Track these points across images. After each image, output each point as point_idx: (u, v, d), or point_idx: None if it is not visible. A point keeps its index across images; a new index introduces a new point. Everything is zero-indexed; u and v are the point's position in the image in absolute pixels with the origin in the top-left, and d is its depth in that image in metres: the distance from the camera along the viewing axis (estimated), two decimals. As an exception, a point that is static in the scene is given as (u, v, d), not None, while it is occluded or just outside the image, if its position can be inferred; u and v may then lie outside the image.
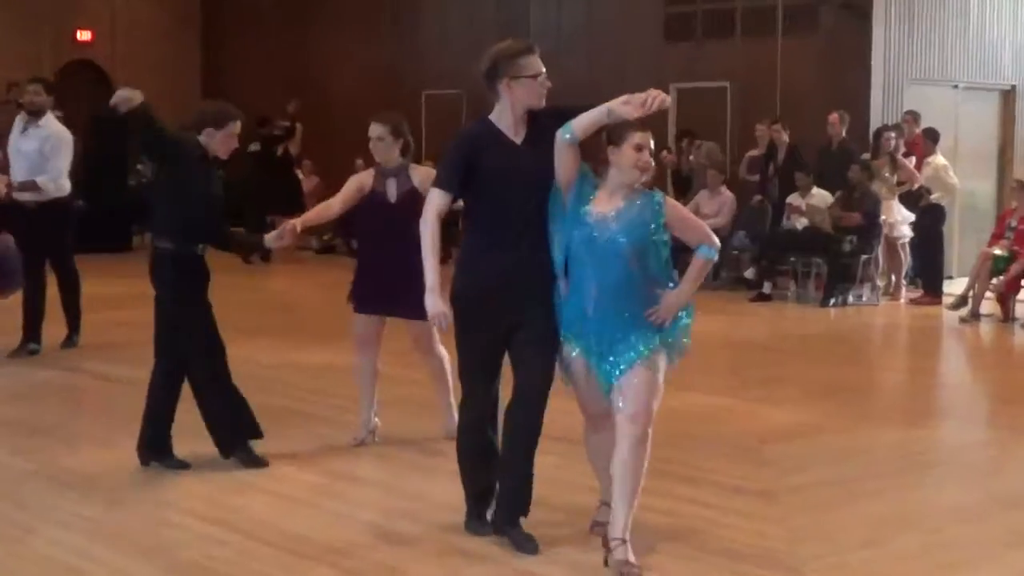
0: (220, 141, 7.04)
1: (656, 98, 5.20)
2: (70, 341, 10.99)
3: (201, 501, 6.58)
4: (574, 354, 5.41)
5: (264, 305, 13.67)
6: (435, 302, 5.53)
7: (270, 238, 7.28)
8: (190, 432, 7.27)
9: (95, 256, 18.03)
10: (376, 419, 7.75)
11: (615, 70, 17.06)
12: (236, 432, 7.15)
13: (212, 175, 7.07)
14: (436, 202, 5.57)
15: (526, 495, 5.69)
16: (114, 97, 6.69)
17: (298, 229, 7.23)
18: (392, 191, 7.32)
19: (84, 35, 23.34)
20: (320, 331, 12.32)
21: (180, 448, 7.28)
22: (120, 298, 14.63)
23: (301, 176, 20.36)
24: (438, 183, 5.64)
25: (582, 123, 5.32)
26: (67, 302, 10.99)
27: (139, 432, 7.21)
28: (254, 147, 18.73)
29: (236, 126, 7.08)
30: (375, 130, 7.40)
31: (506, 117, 5.59)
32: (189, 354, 7.08)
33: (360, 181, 7.53)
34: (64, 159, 10.81)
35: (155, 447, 7.14)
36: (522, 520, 5.70)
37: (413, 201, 6.92)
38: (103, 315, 13.08)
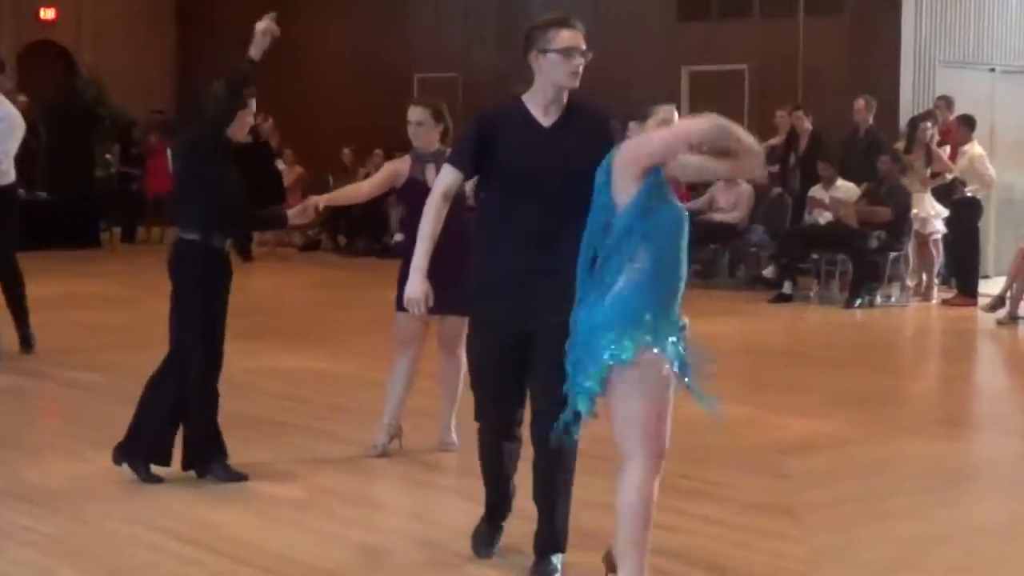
0: (243, 122, 7.08)
1: None
2: (27, 343, 10.93)
3: (175, 518, 6.55)
4: (666, 358, 4.94)
5: (243, 305, 13.61)
6: (416, 284, 5.51)
7: (292, 214, 7.39)
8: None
9: (60, 254, 18.10)
10: (401, 423, 7.76)
11: (625, 52, 17.06)
12: (214, 448, 7.15)
13: (230, 160, 7.12)
14: (445, 180, 5.52)
15: (557, 527, 5.59)
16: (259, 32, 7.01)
17: (320, 206, 7.41)
18: (431, 177, 7.32)
19: (47, 13, 23.32)
20: (304, 334, 12.32)
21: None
22: (87, 298, 14.67)
23: (283, 167, 20.37)
24: (450, 159, 5.61)
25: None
26: (11, 299, 10.92)
27: (127, 431, 7.18)
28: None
29: (254, 104, 7.17)
30: (416, 114, 7.47)
31: (538, 97, 5.45)
32: (187, 354, 7.09)
33: (395, 169, 7.63)
34: (12, 143, 10.78)
35: (141, 452, 7.12)
36: (560, 556, 5.62)
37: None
38: (69, 316, 13.09)
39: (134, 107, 22.07)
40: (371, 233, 19.63)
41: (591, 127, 5.26)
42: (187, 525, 6.44)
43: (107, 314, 13.39)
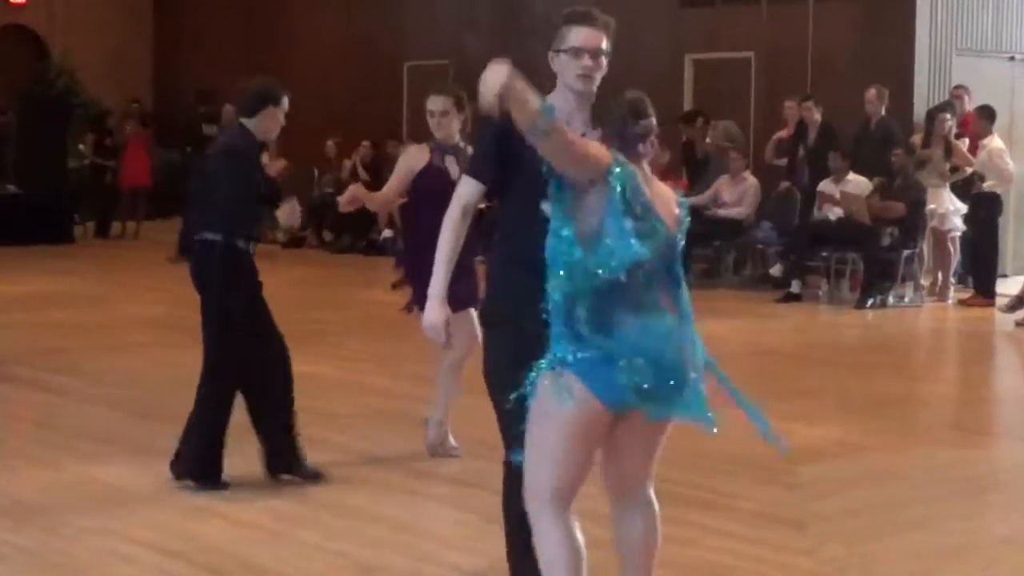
0: (276, 120, 7.19)
1: None
2: None
3: (153, 529, 6.55)
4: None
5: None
6: (434, 312, 5.08)
7: (343, 201, 7.47)
8: (139, 449, 7.28)
9: (32, 249, 18.09)
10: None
11: (626, 40, 16.72)
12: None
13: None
14: (463, 193, 5.10)
15: None
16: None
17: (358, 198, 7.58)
18: (453, 169, 7.36)
19: (18, -3, 23.34)
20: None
21: (128, 465, 7.32)
22: (60, 297, 14.66)
23: (265, 159, 20.30)
24: (469, 171, 5.20)
25: None
26: None
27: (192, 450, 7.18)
28: (209, 130, 18.65)
29: (287, 102, 7.22)
30: (438, 103, 7.50)
31: (559, 101, 4.95)
32: (205, 361, 7.13)
33: (411, 159, 7.62)
34: None
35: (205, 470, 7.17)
36: None
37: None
38: (41, 315, 13.09)
39: (109, 95, 22.06)
40: (358, 229, 19.62)
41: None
42: (166, 536, 6.44)
43: (81, 313, 13.37)
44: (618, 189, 4.51)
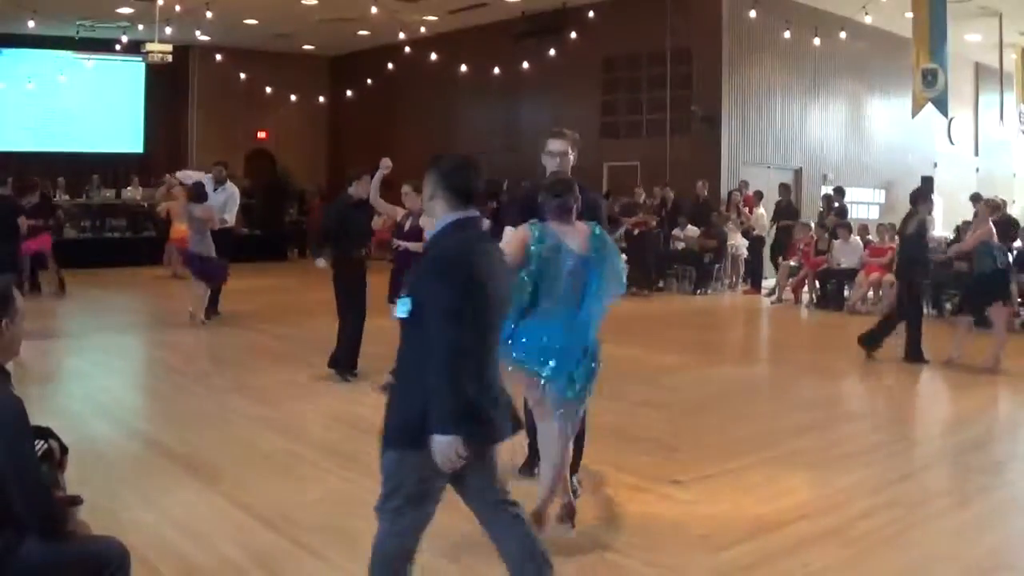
0: (365, 186, 7.39)
1: None
2: (216, 314, 10.56)
3: (325, 405, 6.57)
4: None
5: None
6: None
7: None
8: (316, 365, 7.28)
9: (264, 264, 18.09)
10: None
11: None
12: (346, 358, 7.29)
13: (356, 210, 7.38)
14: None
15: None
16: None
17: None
18: (407, 224, 7.31)
19: (261, 134, 23.35)
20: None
21: (311, 374, 7.35)
22: (279, 287, 14.63)
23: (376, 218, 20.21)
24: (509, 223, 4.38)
25: None
26: (217, 290, 10.57)
27: (341, 357, 7.32)
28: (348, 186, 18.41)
29: (367, 177, 7.43)
30: (406, 188, 7.36)
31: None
32: (346, 315, 7.34)
33: (397, 215, 7.53)
34: (236, 206, 11.03)
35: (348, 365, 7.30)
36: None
37: (417, 233, 6.97)
38: (268, 297, 13.06)
39: (305, 183, 22.11)
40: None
41: (585, 204, 4.27)
42: (333, 410, 6.44)
43: (289, 296, 13.35)
44: (535, 234, 3.92)
